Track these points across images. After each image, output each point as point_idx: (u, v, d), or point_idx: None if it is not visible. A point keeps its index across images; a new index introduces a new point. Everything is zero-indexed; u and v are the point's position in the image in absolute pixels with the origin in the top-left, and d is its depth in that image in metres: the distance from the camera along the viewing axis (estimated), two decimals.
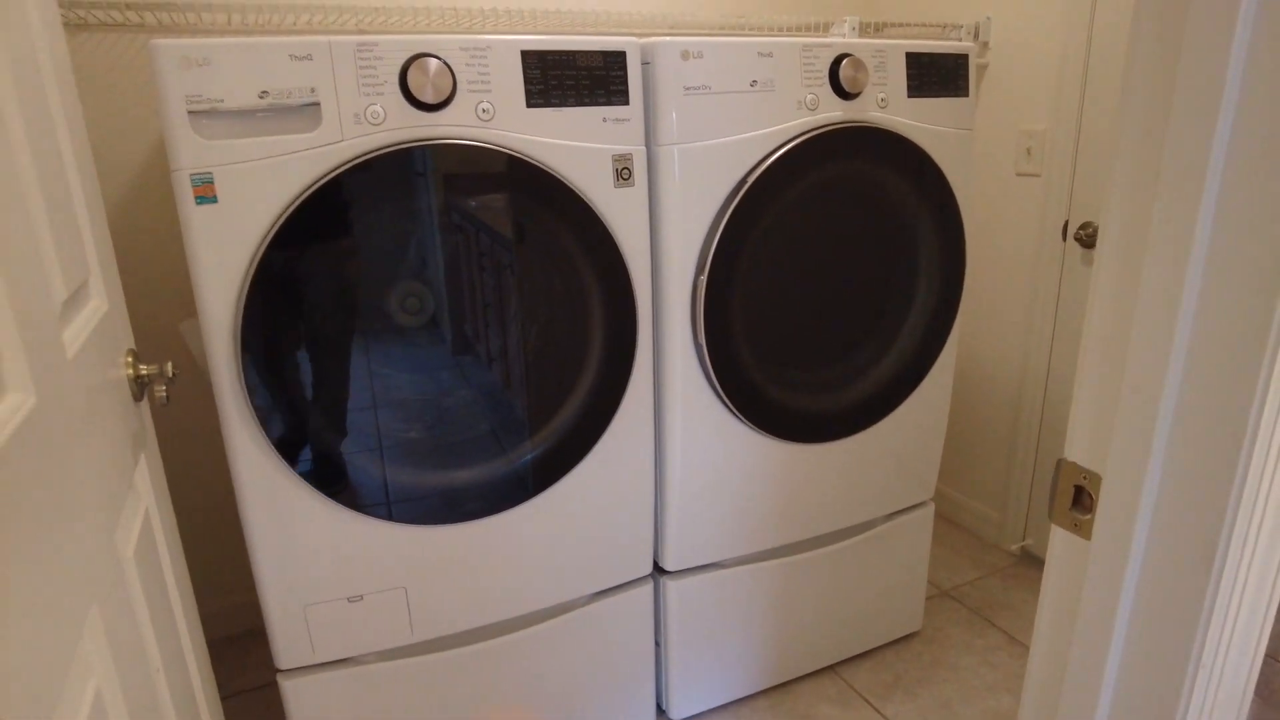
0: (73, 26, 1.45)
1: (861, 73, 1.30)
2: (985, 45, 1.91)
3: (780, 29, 1.95)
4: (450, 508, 1.25)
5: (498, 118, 1.13)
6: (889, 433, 1.61)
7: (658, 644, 1.58)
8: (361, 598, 1.24)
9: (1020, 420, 2.06)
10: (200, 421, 1.74)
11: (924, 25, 1.92)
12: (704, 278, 1.30)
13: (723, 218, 1.28)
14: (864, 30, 1.84)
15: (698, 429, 1.41)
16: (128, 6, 1.35)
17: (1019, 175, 1.94)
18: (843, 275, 1.45)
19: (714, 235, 1.29)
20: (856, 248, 1.44)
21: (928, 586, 2.03)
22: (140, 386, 0.90)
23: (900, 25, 1.95)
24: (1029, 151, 1.90)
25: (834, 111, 1.33)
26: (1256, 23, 0.45)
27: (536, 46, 1.14)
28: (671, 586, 1.51)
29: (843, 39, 1.33)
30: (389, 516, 1.21)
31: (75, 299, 0.75)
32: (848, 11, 2.07)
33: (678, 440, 1.40)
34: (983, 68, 1.93)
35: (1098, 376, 0.57)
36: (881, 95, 1.36)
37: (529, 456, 1.29)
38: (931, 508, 1.77)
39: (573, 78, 1.17)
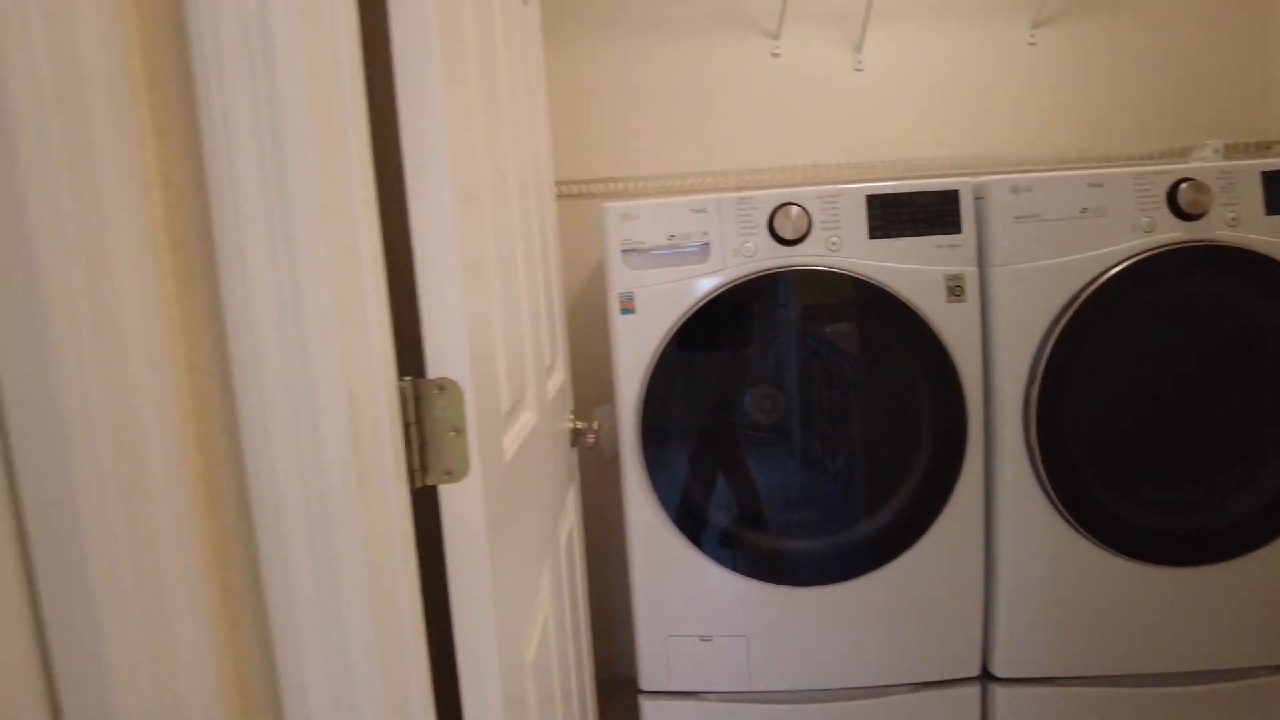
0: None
1: (1204, 195, 1.34)
2: None
3: (1125, 159, 1.97)
4: (787, 571, 1.46)
5: (844, 248, 1.40)
6: (1266, 566, 1.47)
7: None
8: (711, 639, 1.48)
9: None
10: (590, 495, 2.17)
11: None
12: (1036, 387, 1.39)
13: (1054, 331, 1.38)
14: (1232, 152, 1.79)
15: (1030, 534, 1.46)
16: (583, 182, 1.90)
17: None
18: (1200, 393, 1.42)
19: (1045, 347, 1.39)
20: (1215, 366, 1.42)
21: None
22: (575, 436, 1.28)
23: None
24: None
25: (1173, 233, 1.37)
26: None
27: (879, 191, 1.40)
28: (1000, 694, 1.53)
29: (1184, 165, 1.38)
30: (737, 569, 1.46)
31: (550, 368, 1.14)
32: (1215, 134, 2.01)
33: (1009, 542, 1.46)
34: None
35: None
36: (1232, 215, 1.37)
37: (860, 537, 1.46)
38: None
39: (909, 214, 1.40)
